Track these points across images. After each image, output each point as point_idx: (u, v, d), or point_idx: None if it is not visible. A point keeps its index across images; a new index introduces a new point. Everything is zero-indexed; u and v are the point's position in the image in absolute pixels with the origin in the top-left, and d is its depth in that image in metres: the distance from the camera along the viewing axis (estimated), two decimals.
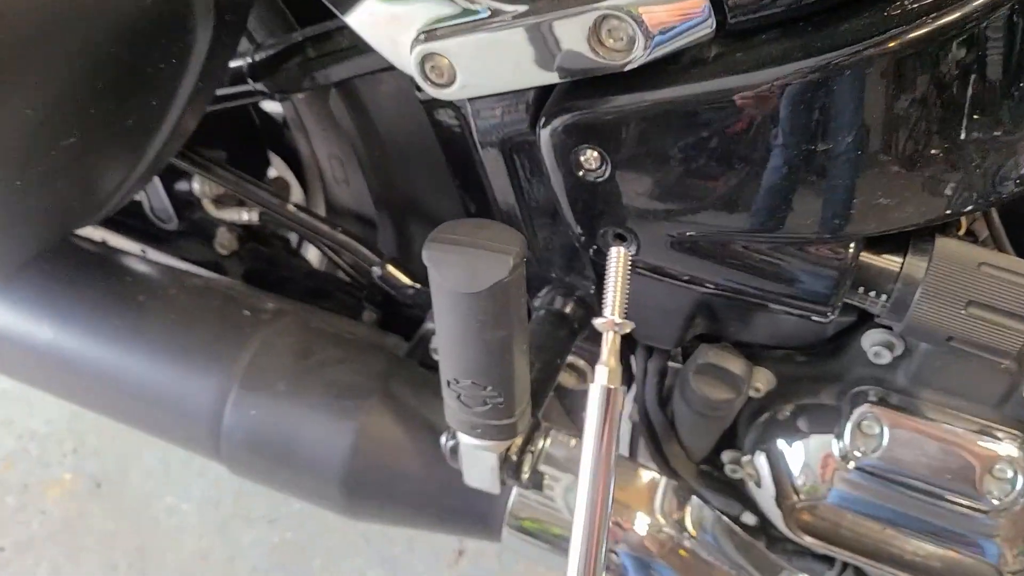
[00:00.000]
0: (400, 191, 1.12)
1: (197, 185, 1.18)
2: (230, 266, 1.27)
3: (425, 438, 0.91)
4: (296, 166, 1.43)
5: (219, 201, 1.21)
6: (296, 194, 1.45)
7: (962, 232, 0.76)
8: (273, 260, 1.30)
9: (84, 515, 2.01)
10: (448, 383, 0.70)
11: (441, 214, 1.13)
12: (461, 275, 0.60)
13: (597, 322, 0.52)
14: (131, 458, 2.09)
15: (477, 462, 0.78)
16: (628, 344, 1.00)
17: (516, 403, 0.70)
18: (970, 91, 0.59)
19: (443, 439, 0.82)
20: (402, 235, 1.18)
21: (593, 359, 0.99)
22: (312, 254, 1.47)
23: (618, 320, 0.52)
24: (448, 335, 0.66)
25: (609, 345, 0.52)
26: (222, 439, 0.96)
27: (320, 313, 1.10)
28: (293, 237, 1.43)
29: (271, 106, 1.39)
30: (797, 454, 0.92)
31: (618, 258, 0.56)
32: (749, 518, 1.14)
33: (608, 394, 0.53)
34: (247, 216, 1.19)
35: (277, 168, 1.45)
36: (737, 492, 1.12)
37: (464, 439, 0.75)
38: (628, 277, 0.55)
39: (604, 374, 0.52)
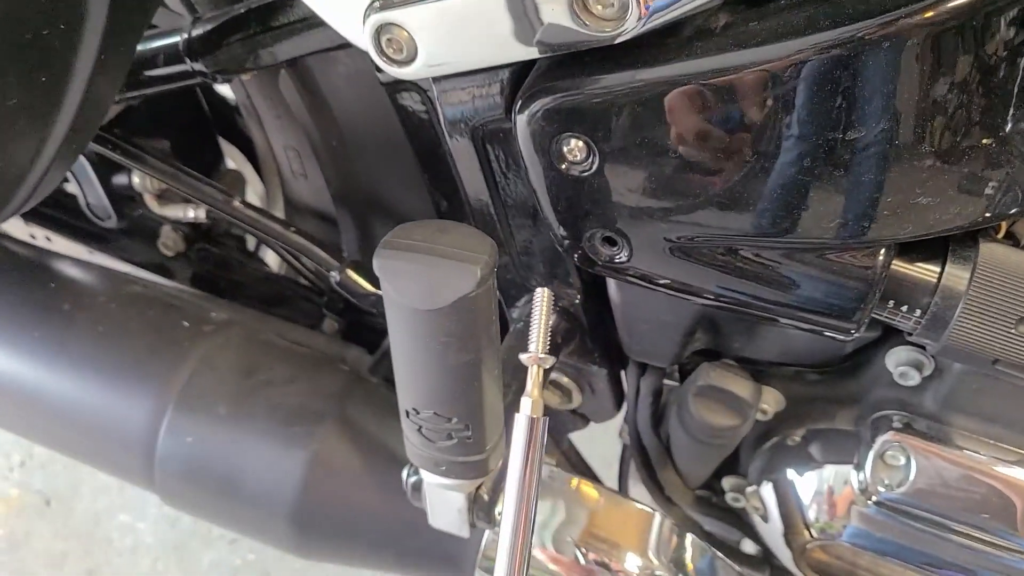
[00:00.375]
0: (362, 187, 1.04)
1: (137, 179, 1.09)
2: (177, 269, 1.19)
3: (386, 469, 0.83)
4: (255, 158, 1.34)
5: (163, 197, 1.12)
6: (258, 189, 1.36)
7: (1001, 235, 0.69)
8: (225, 263, 1.22)
9: (31, 534, 1.95)
10: (407, 413, 0.62)
11: (408, 212, 1.04)
12: (419, 288, 0.53)
13: (523, 356, 0.57)
14: (83, 473, 2.04)
15: (443, 502, 0.70)
16: (619, 361, 0.92)
17: (487, 437, 0.63)
18: None
19: (404, 474, 0.74)
20: (365, 236, 1.09)
21: (580, 376, 0.93)
22: (272, 256, 1.38)
23: (542, 355, 0.57)
24: (405, 358, 0.58)
25: (534, 379, 0.57)
26: (156, 468, 0.87)
27: (273, 323, 1.02)
28: (251, 238, 1.34)
29: (226, 90, 1.30)
30: (809, 486, 0.85)
31: (542, 298, 0.58)
32: (750, 546, 1.08)
33: (532, 424, 0.56)
34: (193, 214, 1.10)
35: (233, 160, 1.36)
36: (738, 519, 1.05)
37: (428, 477, 0.67)
38: (551, 315, 0.59)
39: (528, 405, 0.56)
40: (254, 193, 1.36)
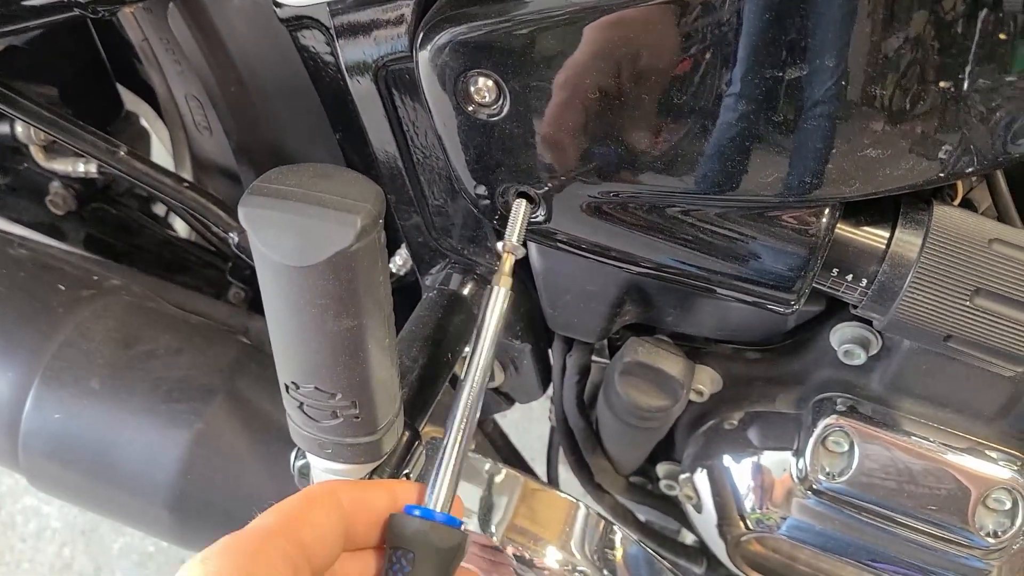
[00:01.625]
0: (266, 139, 0.96)
1: (20, 128, 1.01)
2: (68, 229, 1.10)
3: (281, 452, 0.76)
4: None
5: (51, 150, 1.04)
6: (168, 146, 1.28)
7: (958, 201, 0.65)
8: (123, 224, 1.14)
9: None
10: (287, 388, 0.56)
11: None
12: (290, 242, 0.47)
13: (498, 245, 0.60)
14: None
15: None
16: (545, 335, 0.86)
17: (378, 415, 0.57)
18: None
19: (292, 457, 0.67)
20: None
21: (502, 352, 0.88)
22: (182, 221, 1.30)
23: (516, 245, 0.59)
24: (279, 324, 0.52)
25: (506, 262, 0.59)
26: (20, 447, 0.80)
27: (170, 290, 0.95)
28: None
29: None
30: (745, 473, 0.82)
31: (520, 206, 0.60)
32: (690, 536, 1.04)
33: (498, 293, 0.58)
34: (83, 168, 1.02)
35: (142, 114, 1.28)
36: (675, 508, 1.01)
37: (314, 461, 0.61)
38: (527, 219, 0.61)
39: (498, 279, 0.58)
40: (158, 148, 1.28)
